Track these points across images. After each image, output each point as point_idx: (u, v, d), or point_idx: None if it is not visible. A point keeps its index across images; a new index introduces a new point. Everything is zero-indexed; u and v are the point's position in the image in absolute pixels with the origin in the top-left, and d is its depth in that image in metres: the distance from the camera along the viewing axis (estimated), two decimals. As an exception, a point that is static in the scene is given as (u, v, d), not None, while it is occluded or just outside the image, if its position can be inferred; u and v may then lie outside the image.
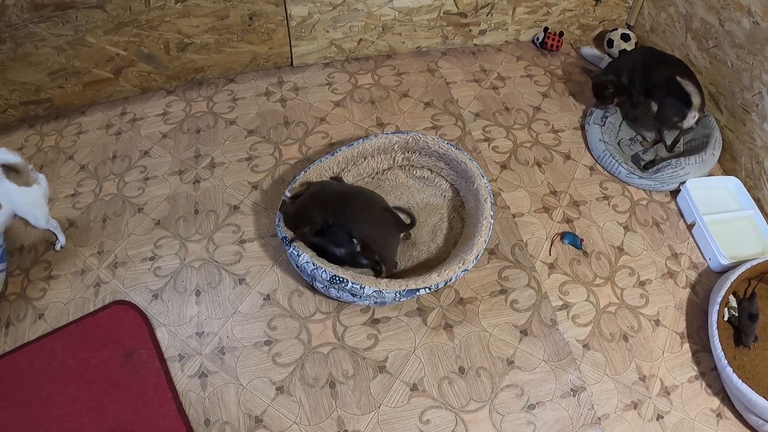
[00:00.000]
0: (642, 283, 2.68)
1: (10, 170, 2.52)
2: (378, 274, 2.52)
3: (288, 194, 2.57)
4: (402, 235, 2.62)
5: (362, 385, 2.32)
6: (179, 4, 3.09)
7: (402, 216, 2.56)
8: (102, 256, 2.77)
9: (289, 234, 2.43)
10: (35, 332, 2.55)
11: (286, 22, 3.18)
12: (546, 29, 3.66)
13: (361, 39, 3.27)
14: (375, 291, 2.25)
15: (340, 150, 2.69)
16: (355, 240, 2.45)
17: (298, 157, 3.03)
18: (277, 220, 2.44)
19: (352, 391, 2.31)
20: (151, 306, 2.59)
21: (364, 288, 2.25)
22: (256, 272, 2.64)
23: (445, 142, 2.74)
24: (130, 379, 2.44)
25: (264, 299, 2.54)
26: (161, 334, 2.50)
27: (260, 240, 2.76)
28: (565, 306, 2.58)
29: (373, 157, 2.78)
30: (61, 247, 2.81)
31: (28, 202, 2.60)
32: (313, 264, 2.29)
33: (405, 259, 2.64)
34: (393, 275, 2.50)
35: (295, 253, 2.32)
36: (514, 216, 2.86)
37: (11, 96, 3.54)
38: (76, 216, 2.95)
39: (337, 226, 2.46)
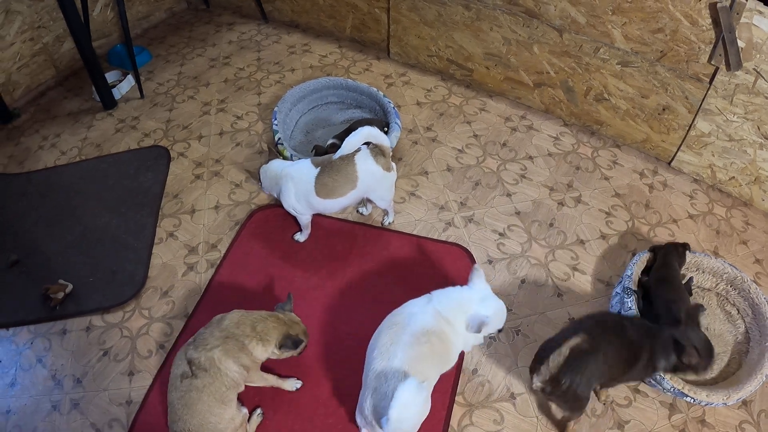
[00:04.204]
0: None
1: (378, 153, 2.91)
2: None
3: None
4: None
5: (600, 428, 2.69)
6: (620, 66, 3.65)
7: None
8: (462, 207, 3.43)
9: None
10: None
11: (687, 128, 3.64)
12: None
13: (733, 177, 3.66)
14: (659, 374, 2.63)
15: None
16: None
17: (644, 237, 3.43)
18: (625, 282, 2.84)
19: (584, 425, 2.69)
20: (482, 265, 3.19)
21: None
22: (573, 296, 3.12)
23: (764, 296, 3.07)
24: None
25: (569, 318, 3.03)
26: (479, 289, 3.08)
27: (590, 276, 3.21)
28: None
29: (703, 273, 3.20)
30: (389, 223, 3.35)
31: (385, 186, 3.04)
32: (635, 322, 2.71)
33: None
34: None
35: (629, 303, 2.76)
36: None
37: (444, 50, 4.33)
38: (455, 166, 3.64)
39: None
